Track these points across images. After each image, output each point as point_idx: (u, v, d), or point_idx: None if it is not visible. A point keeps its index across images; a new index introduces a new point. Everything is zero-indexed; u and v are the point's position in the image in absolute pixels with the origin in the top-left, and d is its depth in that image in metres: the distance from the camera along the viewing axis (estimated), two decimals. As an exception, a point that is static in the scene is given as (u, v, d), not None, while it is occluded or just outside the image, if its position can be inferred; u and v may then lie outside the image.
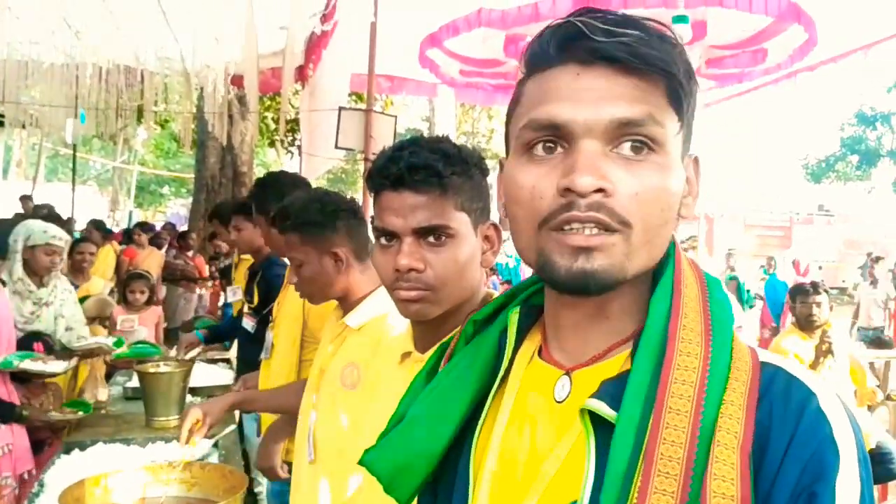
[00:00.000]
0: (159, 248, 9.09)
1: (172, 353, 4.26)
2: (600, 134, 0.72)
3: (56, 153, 22.10)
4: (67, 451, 2.90)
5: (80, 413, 3.39)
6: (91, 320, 4.85)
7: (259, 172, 15.61)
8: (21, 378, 3.43)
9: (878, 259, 12.59)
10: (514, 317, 0.87)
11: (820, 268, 19.57)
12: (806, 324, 4.38)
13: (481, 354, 0.86)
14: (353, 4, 4.98)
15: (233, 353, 5.03)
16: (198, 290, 8.71)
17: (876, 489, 2.95)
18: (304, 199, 2.13)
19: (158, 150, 27.11)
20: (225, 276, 6.77)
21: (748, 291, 10.50)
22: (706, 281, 0.79)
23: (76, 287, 4.98)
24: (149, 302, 5.60)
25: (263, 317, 3.78)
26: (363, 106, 5.87)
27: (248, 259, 4.94)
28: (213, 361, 4.86)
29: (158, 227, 10.79)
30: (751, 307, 10.68)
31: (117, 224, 18.03)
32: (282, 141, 12.70)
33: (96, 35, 5.80)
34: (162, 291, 8.12)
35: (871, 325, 10.72)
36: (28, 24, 5.51)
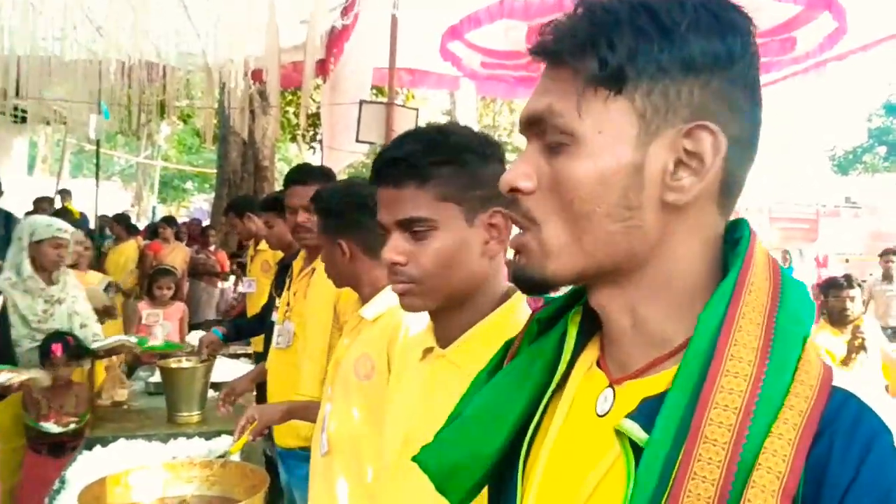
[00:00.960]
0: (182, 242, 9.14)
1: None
2: (528, 130, 0.71)
3: (81, 149, 22.29)
4: (89, 447, 2.90)
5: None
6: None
7: (281, 167, 15.68)
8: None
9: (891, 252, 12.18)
10: (575, 317, 0.80)
11: (847, 261, 19.27)
12: (839, 318, 4.28)
13: (542, 356, 0.80)
14: (375, -3, 4.94)
15: (251, 348, 5.02)
16: (220, 285, 8.74)
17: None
18: (332, 187, 2.21)
19: (181, 146, 27.27)
20: (242, 269, 6.80)
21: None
22: (782, 286, 0.66)
23: None
24: (174, 297, 5.63)
25: (268, 303, 3.78)
26: (384, 100, 5.84)
27: (264, 251, 4.94)
28: (236, 356, 4.86)
29: (183, 222, 10.85)
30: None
31: (139, 219, 18.18)
32: (303, 135, 12.71)
33: (118, 31, 5.80)
34: (186, 286, 8.16)
35: (889, 325, 10.36)
36: (50, 20, 5.52)
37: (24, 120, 9.84)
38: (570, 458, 0.73)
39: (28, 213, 9.92)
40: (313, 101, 9.22)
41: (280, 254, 4.16)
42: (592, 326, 0.80)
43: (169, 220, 9.57)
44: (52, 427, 3.39)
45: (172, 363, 3.55)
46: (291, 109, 12.09)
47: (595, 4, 0.67)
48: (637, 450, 0.63)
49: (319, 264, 2.92)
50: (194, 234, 9.97)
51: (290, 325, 3.12)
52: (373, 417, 1.63)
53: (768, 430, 0.57)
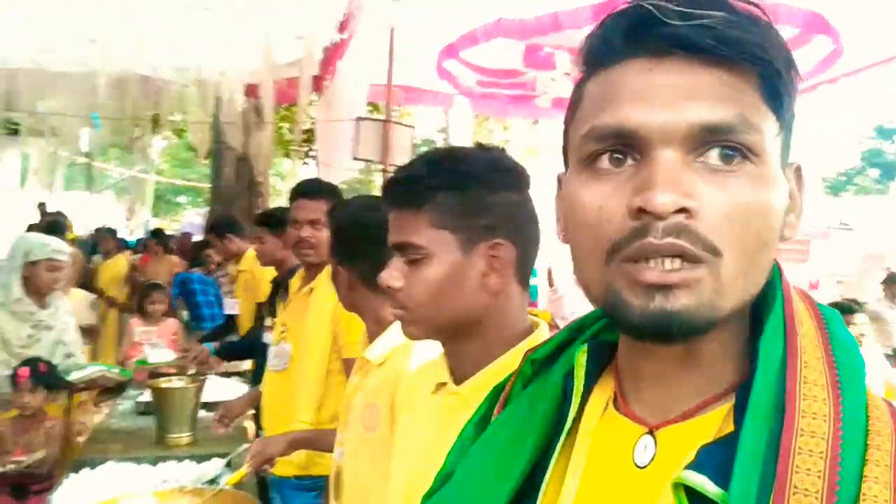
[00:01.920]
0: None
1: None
2: (680, 141, 0.58)
3: (74, 162, 22.20)
4: (76, 470, 2.82)
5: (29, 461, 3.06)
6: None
7: (275, 182, 15.61)
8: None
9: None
10: (581, 357, 0.73)
11: (839, 282, 19.27)
12: None
13: (543, 401, 0.72)
14: (369, 14, 4.93)
15: (245, 365, 4.96)
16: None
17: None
18: (349, 204, 2.11)
19: (175, 160, 27.19)
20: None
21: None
22: (824, 316, 0.63)
23: None
24: (166, 313, 5.57)
25: (258, 325, 3.72)
26: (381, 116, 5.81)
27: (245, 271, 4.89)
28: (228, 375, 4.79)
29: (171, 235, 10.78)
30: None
31: (132, 233, 18.11)
32: (297, 151, 12.67)
33: (112, 44, 5.78)
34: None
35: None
36: (44, 33, 5.49)
37: (15, 132, 9.77)
38: None
39: (32, 228, 9.84)
40: (309, 116, 9.19)
41: (265, 273, 4.11)
42: (596, 366, 0.73)
43: (156, 233, 9.49)
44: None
45: (163, 382, 3.48)
46: (286, 125, 12.06)
47: (757, 14, 0.61)
48: (696, 502, 0.57)
49: (318, 283, 2.86)
50: (185, 248, 9.89)
51: (287, 347, 3.04)
52: (379, 469, 1.57)
53: (861, 474, 0.53)
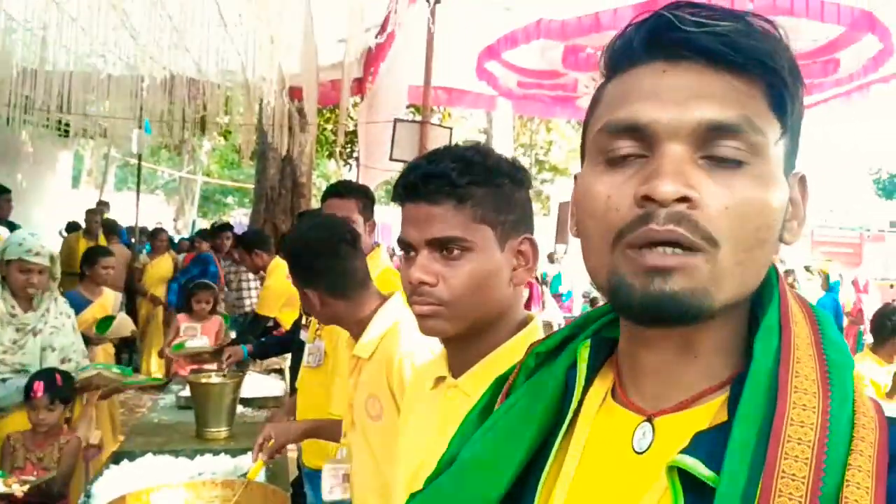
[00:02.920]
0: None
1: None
2: (687, 137, 0.62)
3: (126, 163, 22.77)
4: (117, 462, 2.91)
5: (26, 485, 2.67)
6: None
7: (319, 183, 15.81)
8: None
9: None
10: (584, 351, 0.76)
11: (892, 286, 18.82)
12: (892, 350, 4.13)
13: (545, 392, 0.76)
14: (410, 17, 4.96)
15: (283, 363, 5.06)
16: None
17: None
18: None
19: (223, 161, 27.72)
20: None
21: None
22: (817, 318, 0.66)
23: (89, 302, 5.01)
24: (212, 311, 5.70)
25: (297, 321, 3.79)
26: (420, 118, 5.85)
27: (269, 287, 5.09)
28: (266, 372, 4.87)
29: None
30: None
31: (179, 232, 18.47)
32: (340, 153, 12.81)
33: (160, 47, 5.92)
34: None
35: None
36: (94, 37, 5.65)
37: (67, 134, 10.06)
38: (598, 498, 0.69)
39: (71, 226, 10.13)
40: (351, 118, 9.30)
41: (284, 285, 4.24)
42: (597, 360, 0.77)
43: (203, 234, 9.69)
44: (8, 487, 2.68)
45: (202, 378, 3.56)
46: (329, 126, 12.20)
47: (766, 25, 0.65)
48: (690, 486, 0.61)
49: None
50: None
51: (321, 344, 3.10)
52: (389, 456, 1.61)
53: (845, 463, 0.56)
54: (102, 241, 8.72)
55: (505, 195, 1.20)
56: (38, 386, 2.99)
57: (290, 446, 3.77)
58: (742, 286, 0.64)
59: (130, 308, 7.71)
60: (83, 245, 9.12)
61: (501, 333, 1.22)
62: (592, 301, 12.89)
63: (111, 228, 9.22)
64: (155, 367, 7.53)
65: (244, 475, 2.58)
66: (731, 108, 0.62)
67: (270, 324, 5.19)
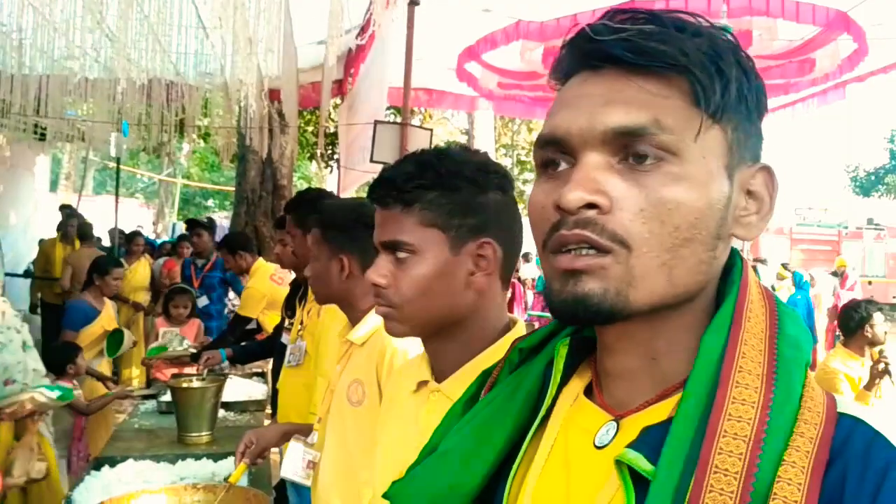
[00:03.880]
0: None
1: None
2: (599, 145, 0.64)
3: (105, 167, 22.56)
4: (97, 468, 2.88)
5: None
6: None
7: (300, 186, 15.73)
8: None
9: None
10: (562, 349, 0.78)
11: (870, 283, 19.04)
12: (864, 343, 4.18)
13: (525, 386, 0.78)
14: (388, 19, 4.96)
15: (266, 366, 5.04)
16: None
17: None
18: (342, 203, 2.23)
19: (203, 164, 27.54)
20: None
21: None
22: (778, 313, 0.67)
23: (98, 313, 4.97)
24: (191, 315, 5.68)
25: (279, 326, 3.79)
26: (400, 120, 5.85)
27: (251, 288, 5.06)
28: (248, 375, 4.85)
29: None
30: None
31: (158, 236, 18.30)
32: (322, 155, 12.77)
33: (137, 50, 5.87)
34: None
35: None
36: (70, 39, 5.59)
37: (44, 137, 9.95)
38: (560, 491, 0.71)
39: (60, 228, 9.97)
40: (332, 120, 9.26)
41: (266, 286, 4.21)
42: (576, 358, 0.78)
43: (185, 238, 9.58)
44: None
45: (183, 382, 3.54)
46: (310, 128, 12.15)
47: (690, 23, 0.66)
48: (639, 481, 0.61)
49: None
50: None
51: (303, 344, 3.11)
52: (365, 443, 1.61)
53: (780, 459, 0.56)
54: (77, 245, 8.65)
55: (462, 199, 1.19)
56: None
57: (274, 451, 3.78)
58: (671, 286, 0.64)
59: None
60: (60, 250, 9.04)
61: (482, 338, 1.22)
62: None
63: (85, 233, 9.06)
64: (136, 373, 7.46)
65: (226, 479, 2.58)
66: (638, 112, 0.63)
67: (253, 326, 5.17)
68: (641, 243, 0.62)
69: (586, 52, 0.67)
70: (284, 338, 3.68)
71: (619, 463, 0.63)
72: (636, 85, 0.64)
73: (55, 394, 2.89)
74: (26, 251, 10.98)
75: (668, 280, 0.64)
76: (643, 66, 0.64)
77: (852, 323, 4.26)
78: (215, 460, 2.99)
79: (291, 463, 2.02)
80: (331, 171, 14.09)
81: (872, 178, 33.44)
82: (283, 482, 3.30)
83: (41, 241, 9.78)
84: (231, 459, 2.84)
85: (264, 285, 5.00)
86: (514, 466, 0.75)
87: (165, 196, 25.96)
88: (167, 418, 3.67)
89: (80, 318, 4.84)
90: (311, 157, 14.82)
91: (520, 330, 1.24)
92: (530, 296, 14.63)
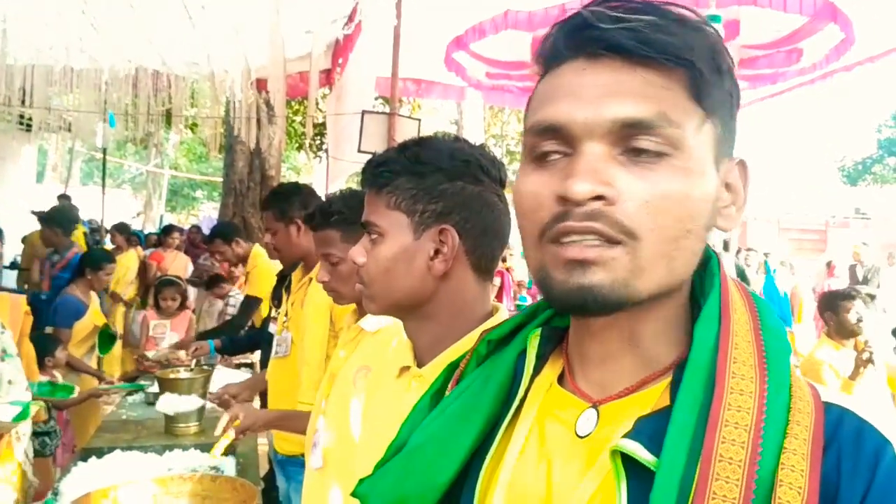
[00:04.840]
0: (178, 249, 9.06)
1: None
2: (603, 136, 0.64)
3: (91, 157, 22.42)
4: (84, 459, 2.87)
5: None
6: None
7: (289, 176, 15.71)
8: None
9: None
10: (534, 339, 0.79)
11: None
12: (843, 332, 4.21)
13: (495, 378, 0.78)
14: (376, 8, 4.94)
15: (255, 357, 5.03)
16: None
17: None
18: (347, 197, 2.16)
19: (191, 154, 27.39)
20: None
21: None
22: (756, 305, 0.69)
23: (86, 307, 4.94)
24: (181, 307, 5.64)
25: (267, 318, 3.78)
26: (388, 110, 5.84)
27: (252, 270, 5.02)
28: (236, 366, 4.85)
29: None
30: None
31: (144, 227, 18.18)
32: (310, 145, 12.73)
33: (124, 40, 5.83)
34: (192, 294, 8.14)
35: None
36: (56, 29, 5.55)
37: (29, 128, 9.87)
38: (539, 481, 0.71)
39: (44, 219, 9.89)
40: (320, 110, 9.24)
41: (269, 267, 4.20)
42: (547, 347, 0.79)
43: (170, 229, 9.49)
44: None
45: (170, 373, 3.53)
46: (298, 119, 12.11)
47: (689, 17, 0.66)
48: (632, 469, 0.62)
49: (315, 274, 2.93)
50: (195, 242, 9.91)
51: (288, 335, 3.13)
52: (362, 432, 1.61)
53: (781, 447, 0.58)
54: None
55: (427, 185, 1.22)
56: None
57: (262, 440, 3.78)
58: (670, 276, 0.66)
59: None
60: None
61: (464, 324, 1.23)
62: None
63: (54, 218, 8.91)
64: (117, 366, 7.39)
65: (215, 468, 2.57)
66: (646, 105, 0.63)
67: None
68: (647, 234, 0.63)
69: (586, 39, 0.66)
70: (271, 327, 3.68)
71: (614, 453, 0.64)
72: (640, 76, 0.64)
73: (13, 413, 2.68)
74: (13, 243, 10.91)
75: (669, 270, 0.65)
76: (646, 57, 0.63)
77: (833, 312, 4.28)
78: (203, 450, 2.98)
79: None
80: (319, 161, 14.06)
81: (860, 167, 33.64)
82: (271, 472, 3.30)
83: (26, 235, 9.70)
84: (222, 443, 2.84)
85: (269, 265, 4.94)
86: (487, 458, 0.74)
87: (153, 187, 25.82)
88: (155, 409, 3.66)
89: (72, 313, 4.80)
90: (300, 148, 14.78)
91: (501, 317, 1.25)
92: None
